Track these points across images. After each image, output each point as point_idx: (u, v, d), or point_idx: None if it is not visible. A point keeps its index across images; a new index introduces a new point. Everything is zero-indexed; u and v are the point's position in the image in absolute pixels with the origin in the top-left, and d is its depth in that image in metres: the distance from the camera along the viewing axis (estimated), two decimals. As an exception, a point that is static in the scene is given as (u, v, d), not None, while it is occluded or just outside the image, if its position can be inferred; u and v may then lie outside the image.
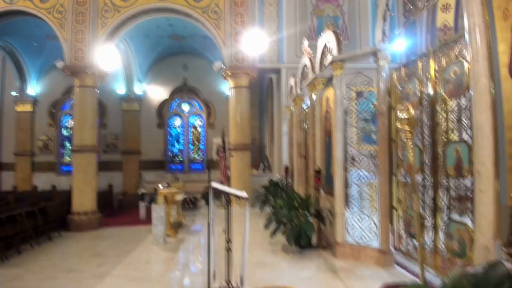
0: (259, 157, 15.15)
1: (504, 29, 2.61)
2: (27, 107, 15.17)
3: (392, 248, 4.83)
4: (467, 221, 3.34)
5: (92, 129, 10.44)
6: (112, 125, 15.59)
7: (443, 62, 3.77)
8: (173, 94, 15.98)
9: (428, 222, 4.01)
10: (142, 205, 11.82)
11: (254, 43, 9.63)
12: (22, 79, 14.84)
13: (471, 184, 3.22)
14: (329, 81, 6.06)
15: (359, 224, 5.12)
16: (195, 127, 16.37)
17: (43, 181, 14.84)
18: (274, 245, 6.10)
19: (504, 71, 2.64)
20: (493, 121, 2.72)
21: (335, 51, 5.42)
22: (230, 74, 10.39)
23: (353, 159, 5.41)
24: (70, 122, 15.31)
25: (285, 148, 10.76)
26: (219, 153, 12.21)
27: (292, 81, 8.98)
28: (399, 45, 7.42)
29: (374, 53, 4.95)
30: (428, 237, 3.99)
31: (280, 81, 11.00)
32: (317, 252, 5.65)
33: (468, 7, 2.90)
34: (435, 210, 3.91)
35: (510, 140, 2.58)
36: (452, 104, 3.73)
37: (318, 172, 6.19)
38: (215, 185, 4.25)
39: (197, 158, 16.22)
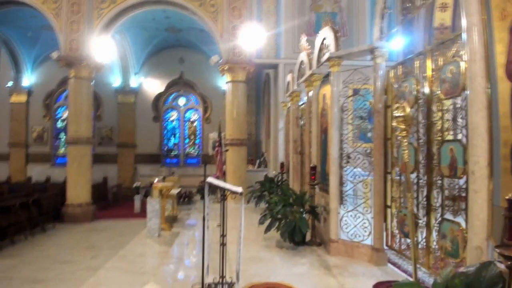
0: (255, 153, 15.15)
1: (502, 29, 2.61)
2: (22, 98, 15.05)
3: (385, 246, 4.86)
4: (461, 221, 3.36)
5: (87, 121, 10.38)
6: (107, 117, 15.51)
7: (440, 61, 3.77)
8: (169, 88, 15.90)
9: (422, 221, 4.04)
10: (137, 198, 11.82)
11: (252, 37, 9.57)
12: (17, 69, 14.70)
13: (464, 184, 3.23)
14: (326, 78, 6.05)
15: (353, 221, 5.14)
16: (191, 121, 16.32)
17: (37, 172, 14.77)
18: (268, 240, 6.12)
19: (500, 71, 2.64)
20: (489, 121, 2.73)
21: (332, 47, 5.40)
22: (227, 68, 10.34)
23: (348, 156, 5.43)
24: (65, 114, 15.19)
25: (281, 144, 10.76)
26: (215, 148, 12.20)
27: (289, 77, 8.96)
28: (397, 43, 7.42)
29: (372, 51, 4.94)
30: (421, 236, 4.01)
31: (277, 77, 10.97)
32: (310, 249, 5.67)
33: (465, 7, 2.89)
34: (428, 209, 3.93)
35: (505, 141, 2.59)
36: (448, 103, 3.73)
37: (313, 169, 6.20)
38: (211, 180, 4.25)
39: (193, 152, 16.19)
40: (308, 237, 5.97)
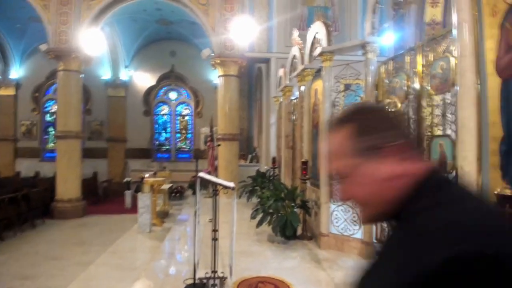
0: (247, 148, 15.14)
1: (493, 26, 2.63)
2: (10, 91, 14.77)
3: (375, 240, 4.91)
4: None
5: (77, 114, 10.25)
6: (97, 111, 15.31)
7: (431, 57, 3.80)
8: (160, 81, 15.74)
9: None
10: (128, 194, 11.74)
11: (244, 31, 9.51)
12: (5, 61, 14.41)
13: (454, 179, 3.27)
14: (318, 73, 6.05)
15: (343, 215, 5.18)
16: (182, 116, 16.22)
17: (26, 167, 14.56)
18: (260, 235, 6.14)
19: (490, 67, 2.66)
20: (478, 116, 2.76)
21: (324, 42, 5.40)
22: (219, 62, 10.28)
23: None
24: (54, 107, 14.98)
25: (273, 139, 10.76)
26: (207, 142, 12.16)
27: (281, 72, 8.94)
28: (388, 38, 7.44)
29: (363, 46, 4.95)
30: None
31: (269, 71, 10.94)
32: (302, 243, 5.71)
33: (457, 2, 2.91)
34: (418, 203, 3.98)
35: (494, 137, 2.62)
36: (438, 99, 3.76)
37: (305, 163, 6.22)
38: (203, 175, 4.24)
39: (184, 147, 16.11)
40: (299, 231, 6.01)
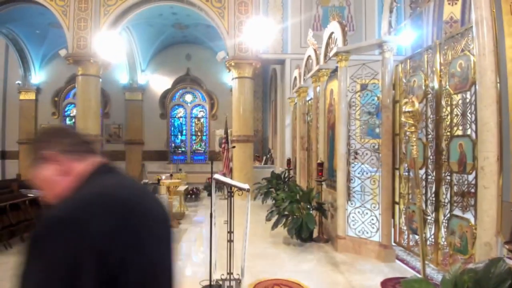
0: (261, 149, 15.14)
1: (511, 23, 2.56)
2: (31, 95, 15.18)
3: (393, 243, 4.83)
4: (470, 217, 3.32)
5: (95, 118, 10.46)
6: (115, 114, 15.60)
7: (449, 55, 3.72)
8: (176, 84, 15.93)
9: (430, 217, 4.00)
10: (144, 195, 11.86)
11: (258, 33, 9.53)
12: (25, 67, 14.83)
13: (474, 180, 3.19)
14: (333, 73, 6.01)
15: (360, 218, 5.11)
16: (198, 118, 16.35)
17: (46, 169, 14.91)
18: (275, 237, 6.12)
19: (510, 66, 2.59)
20: (499, 116, 2.68)
21: (340, 42, 5.35)
22: (233, 64, 10.32)
23: (356, 152, 5.39)
24: (73, 111, 15.32)
25: (288, 140, 10.73)
26: (222, 144, 12.22)
27: (296, 73, 8.91)
28: (405, 37, 7.33)
29: (380, 45, 4.89)
30: (429, 232, 3.98)
31: (284, 72, 10.92)
32: (318, 245, 5.66)
33: (475, 0, 2.84)
34: (437, 205, 3.90)
35: (516, 136, 2.54)
36: (457, 98, 3.68)
37: (320, 165, 6.17)
38: (218, 176, 4.25)
39: (200, 149, 16.23)
40: (315, 233, 5.96)
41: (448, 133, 3.72)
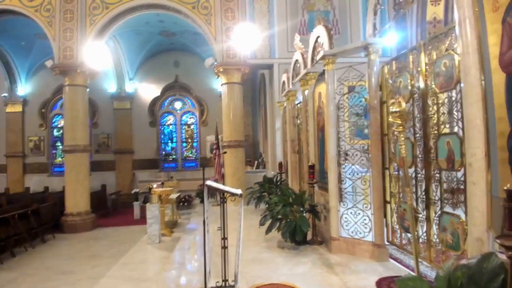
0: (253, 154, 15.13)
1: (494, 21, 2.61)
2: (17, 108, 14.97)
3: (386, 242, 4.85)
4: (460, 213, 3.36)
5: (84, 128, 10.35)
6: (104, 124, 15.45)
7: (434, 55, 3.78)
8: (164, 92, 15.86)
9: (422, 215, 4.03)
10: (136, 205, 11.77)
11: (246, 38, 9.56)
12: (12, 79, 14.63)
13: (462, 176, 3.23)
14: (321, 76, 6.05)
15: (353, 218, 5.14)
16: (188, 125, 16.29)
17: (35, 182, 14.70)
18: (270, 241, 6.11)
19: (494, 63, 2.64)
20: (484, 113, 2.73)
21: (326, 45, 5.40)
22: (222, 70, 10.34)
23: (346, 154, 5.42)
24: (61, 122, 15.13)
25: (278, 144, 10.75)
26: (213, 150, 12.18)
27: (284, 77, 8.96)
28: (390, 38, 7.43)
29: (365, 47, 4.94)
30: (421, 230, 4.01)
31: (272, 77, 10.97)
32: (312, 248, 5.67)
33: (458, 0, 2.89)
34: (428, 203, 3.93)
35: (501, 132, 2.58)
36: (443, 97, 3.74)
37: (311, 167, 6.19)
38: (210, 183, 4.24)
39: (191, 156, 16.16)
40: (309, 236, 5.97)
41: (436, 132, 3.77)
